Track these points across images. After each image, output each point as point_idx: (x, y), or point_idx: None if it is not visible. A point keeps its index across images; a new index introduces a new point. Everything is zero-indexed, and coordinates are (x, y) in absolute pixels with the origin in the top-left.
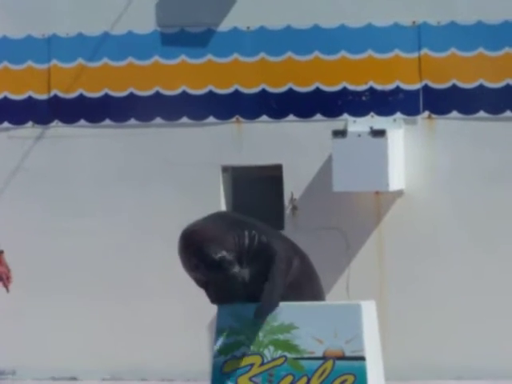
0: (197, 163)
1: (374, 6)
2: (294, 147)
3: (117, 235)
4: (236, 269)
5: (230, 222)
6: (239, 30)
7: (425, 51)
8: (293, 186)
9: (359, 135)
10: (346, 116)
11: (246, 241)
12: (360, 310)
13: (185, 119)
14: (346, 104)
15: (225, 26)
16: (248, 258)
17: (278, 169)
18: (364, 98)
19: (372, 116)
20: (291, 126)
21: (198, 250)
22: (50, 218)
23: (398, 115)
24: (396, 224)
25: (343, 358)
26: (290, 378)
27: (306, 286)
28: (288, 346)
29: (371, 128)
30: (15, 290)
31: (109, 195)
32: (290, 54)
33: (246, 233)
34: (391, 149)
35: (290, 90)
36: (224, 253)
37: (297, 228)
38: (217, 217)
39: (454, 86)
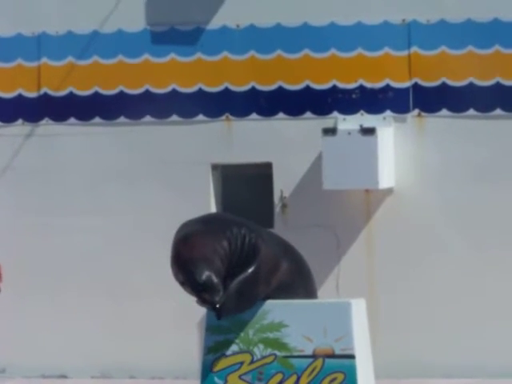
0: (186, 161)
1: (364, 4)
2: (283, 145)
3: (107, 233)
4: (218, 297)
5: (223, 225)
6: (229, 28)
7: (415, 49)
8: (283, 184)
9: (349, 133)
10: (335, 114)
11: (239, 243)
12: (350, 308)
13: (175, 117)
14: (336, 102)
15: (214, 24)
16: (240, 260)
17: (267, 167)
18: (354, 96)
19: (362, 114)
20: (281, 124)
21: (185, 268)
22: (39, 216)
23: (388, 113)
24: (386, 222)
25: (333, 356)
26: (279, 377)
27: (299, 287)
28: (278, 344)
29: (361, 126)
30: (4, 288)
31: (99, 193)
32: (279, 52)
33: (238, 235)
34: (381, 147)
35: (280, 88)
36: (209, 274)
37: (287, 226)
38: (209, 220)
39: (444, 84)
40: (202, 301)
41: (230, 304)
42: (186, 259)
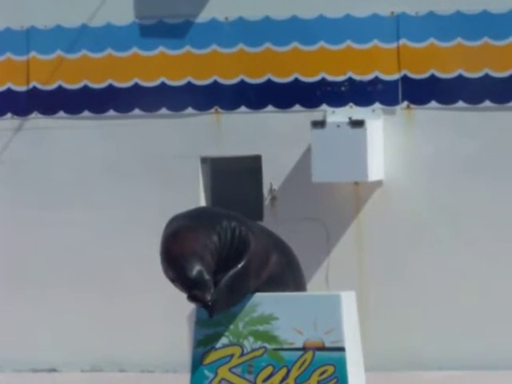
0: (176, 154)
1: None
2: (273, 138)
3: (96, 227)
4: (209, 294)
5: (212, 218)
6: (217, 20)
7: (403, 41)
8: (272, 177)
9: (338, 126)
10: (324, 107)
11: (229, 236)
12: (340, 301)
13: (164, 110)
14: (325, 95)
15: (203, 16)
16: (230, 253)
17: (257, 160)
18: (343, 89)
19: (351, 106)
20: (270, 116)
21: (176, 264)
22: (28, 211)
23: (377, 105)
24: (375, 214)
25: (323, 348)
26: (269, 369)
27: (289, 279)
28: (268, 336)
29: (350, 118)
30: None
31: (88, 187)
32: (268, 44)
33: (228, 228)
34: (370, 139)
35: (269, 81)
36: (200, 270)
37: (276, 219)
38: (198, 214)
39: (433, 76)
40: (193, 298)
41: (222, 300)
42: (177, 255)
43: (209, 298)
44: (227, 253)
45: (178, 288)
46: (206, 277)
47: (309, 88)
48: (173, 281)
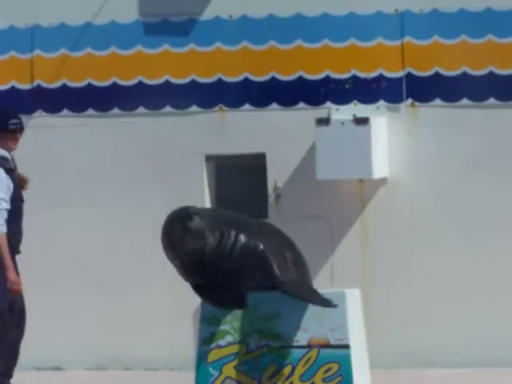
0: (180, 152)
1: None
2: (277, 136)
3: (101, 225)
4: (210, 244)
5: (218, 220)
6: (221, 18)
7: (407, 39)
8: (276, 175)
9: (342, 123)
10: (329, 104)
11: (231, 242)
12: (344, 298)
13: (168, 108)
14: (329, 92)
15: (207, 14)
16: (230, 259)
17: (261, 157)
18: (347, 86)
19: (355, 104)
20: (274, 114)
21: (178, 223)
22: (33, 209)
23: (381, 103)
24: (380, 211)
25: (328, 346)
26: (274, 367)
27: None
28: (272, 334)
29: (354, 116)
30: None
31: (92, 185)
32: (272, 42)
33: (233, 234)
34: (374, 137)
35: (273, 79)
36: (201, 221)
37: (280, 216)
38: (206, 210)
39: (437, 74)
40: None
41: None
42: (180, 218)
43: (210, 245)
44: (227, 257)
45: (176, 265)
46: (207, 231)
47: (313, 85)
48: (174, 248)
